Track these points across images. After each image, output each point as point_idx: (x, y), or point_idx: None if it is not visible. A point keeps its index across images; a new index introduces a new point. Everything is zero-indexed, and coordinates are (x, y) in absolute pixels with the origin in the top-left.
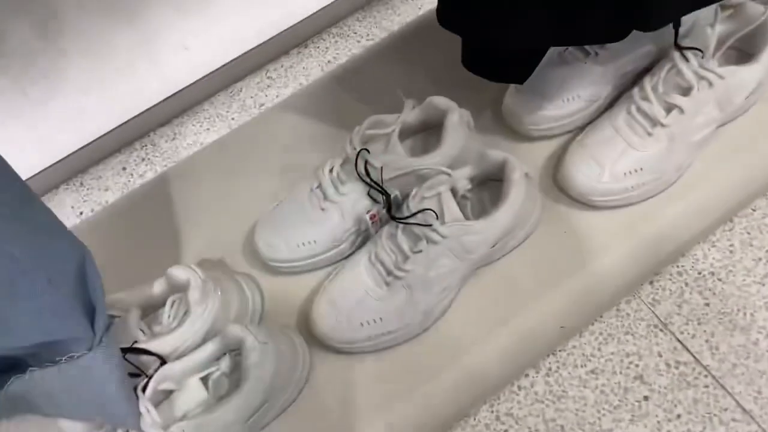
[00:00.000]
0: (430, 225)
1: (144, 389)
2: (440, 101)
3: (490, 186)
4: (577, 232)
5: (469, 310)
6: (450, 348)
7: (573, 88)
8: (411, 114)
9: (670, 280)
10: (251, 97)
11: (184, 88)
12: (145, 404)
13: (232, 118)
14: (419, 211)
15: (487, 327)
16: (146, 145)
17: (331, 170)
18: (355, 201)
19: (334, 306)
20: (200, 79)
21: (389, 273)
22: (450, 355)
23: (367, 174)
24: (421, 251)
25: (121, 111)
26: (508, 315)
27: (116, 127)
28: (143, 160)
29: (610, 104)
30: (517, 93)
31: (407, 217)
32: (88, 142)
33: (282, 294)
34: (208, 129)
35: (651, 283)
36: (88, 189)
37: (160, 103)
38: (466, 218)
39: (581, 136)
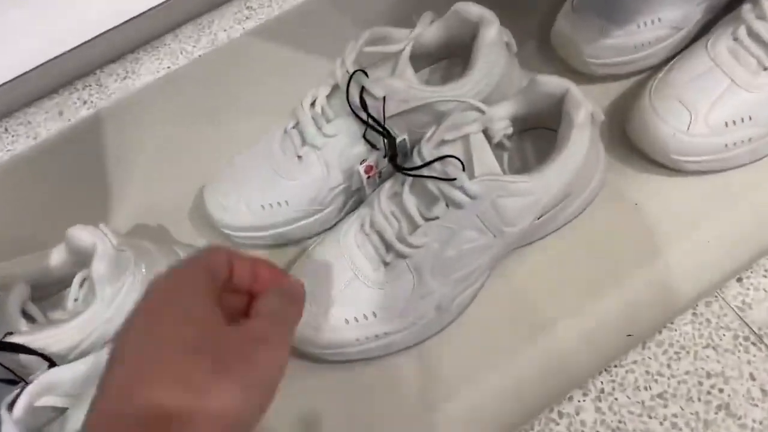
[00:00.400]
0: (453, 179)
1: (11, 406)
2: (471, 10)
3: (536, 136)
4: (654, 205)
5: (499, 306)
6: (470, 359)
7: (652, 8)
8: (429, 30)
9: (765, 275)
10: (224, 30)
11: (140, 15)
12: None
13: (200, 56)
14: (437, 159)
15: (523, 332)
16: (90, 85)
17: (313, 103)
18: (344, 146)
19: (308, 294)
20: (161, 4)
21: (389, 248)
22: (468, 370)
23: (364, 107)
24: (437, 218)
25: (59, 38)
26: (551, 316)
27: (52, 59)
28: (85, 103)
29: (702, 33)
30: (575, 13)
31: (419, 168)
32: (13, 77)
33: None
34: (168, 67)
35: (739, 280)
36: (13, 137)
37: (109, 31)
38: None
39: (664, 71)
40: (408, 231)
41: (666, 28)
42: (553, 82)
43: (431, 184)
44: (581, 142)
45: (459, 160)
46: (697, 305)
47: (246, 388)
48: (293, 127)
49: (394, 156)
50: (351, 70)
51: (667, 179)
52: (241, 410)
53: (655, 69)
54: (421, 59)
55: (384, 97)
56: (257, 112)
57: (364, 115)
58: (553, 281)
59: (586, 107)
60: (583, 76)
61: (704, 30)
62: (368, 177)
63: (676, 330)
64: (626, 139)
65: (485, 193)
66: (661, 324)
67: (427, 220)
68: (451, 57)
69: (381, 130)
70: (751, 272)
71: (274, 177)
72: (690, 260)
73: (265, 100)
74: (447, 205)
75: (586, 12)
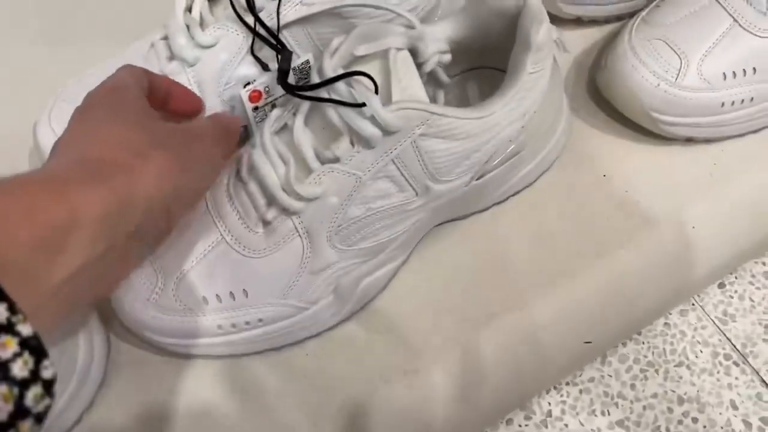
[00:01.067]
0: (362, 105)
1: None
2: None
3: (481, 78)
4: (625, 177)
5: (420, 297)
6: (377, 363)
7: None
8: None
9: (753, 282)
10: None
11: None
12: None
13: None
14: (342, 77)
15: (447, 332)
16: None
17: (190, 8)
18: (225, 64)
19: (155, 264)
20: None
21: (272, 201)
22: (373, 375)
23: (252, 10)
24: (337, 160)
25: None
26: (486, 313)
27: None
28: None
29: None
30: None
31: (316, 87)
32: None
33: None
34: None
35: (722, 286)
36: None
37: None
38: None
39: (650, 7)
40: (299, 178)
41: None
42: None
43: (332, 112)
44: (540, 73)
45: (372, 79)
46: (670, 313)
47: (183, 165)
48: (161, 39)
49: (286, 73)
50: None
51: (643, 146)
52: (178, 180)
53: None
54: None
55: None
56: (116, 28)
57: (251, 21)
58: (492, 267)
59: (549, 27)
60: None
61: None
62: (255, 108)
63: (643, 343)
64: (596, 92)
65: (405, 127)
66: (626, 334)
67: (324, 163)
68: None
69: (272, 41)
70: (736, 277)
71: None
72: (664, 253)
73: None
74: (352, 143)
75: None
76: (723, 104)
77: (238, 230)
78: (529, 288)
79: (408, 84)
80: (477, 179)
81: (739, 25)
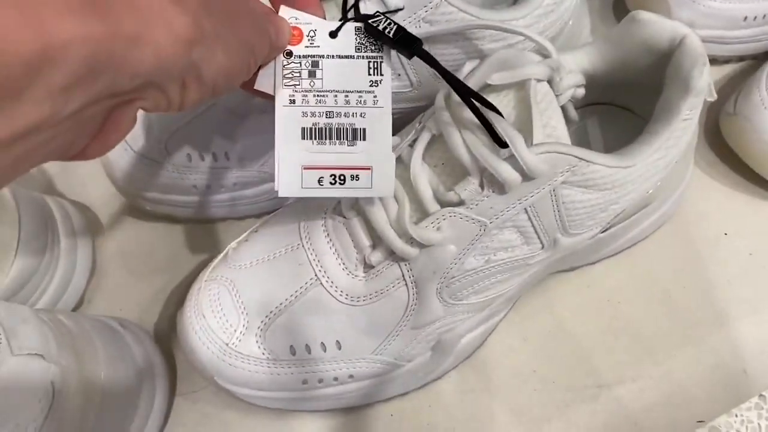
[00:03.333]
0: (503, 143)
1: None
2: None
3: (602, 116)
4: (749, 237)
5: (519, 355)
6: (469, 427)
7: None
8: None
9: None
10: None
11: None
12: None
13: None
14: (475, 103)
15: (554, 399)
16: None
17: None
18: None
19: (238, 300)
20: None
21: (378, 243)
22: None
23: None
24: (461, 203)
25: None
26: (598, 381)
27: None
28: None
29: None
30: None
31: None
32: None
33: (140, 256)
34: None
35: None
36: None
37: None
38: None
39: None
40: (413, 219)
41: None
42: (662, 24)
43: (461, 148)
44: (692, 120)
45: (501, 114)
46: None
47: (220, 23)
48: None
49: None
50: None
51: None
52: (210, 44)
53: (763, 59)
54: None
55: (398, 10)
56: None
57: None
58: (601, 329)
59: (708, 72)
60: None
61: None
62: (288, 54)
63: (736, 416)
64: (716, 140)
65: (548, 174)
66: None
67: (444, 205)
68: None
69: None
70: None
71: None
72: None
73: None
74: (482, 185)
75: None
76: None
77: (336, 272)
78: (643, 357)
79: (549, 122)
80: (603, 232)
81: None
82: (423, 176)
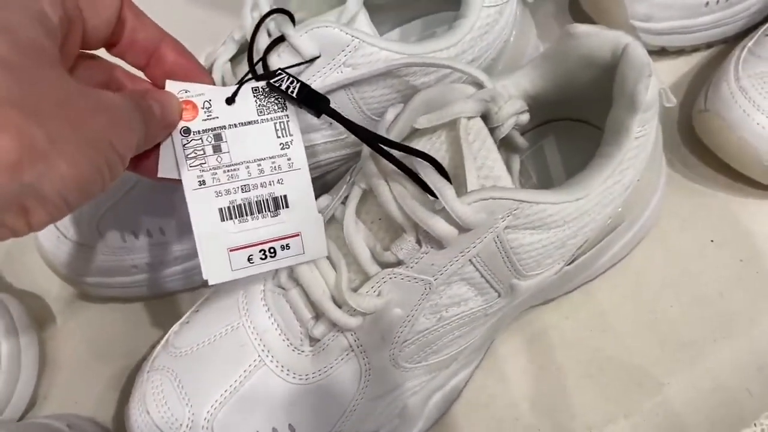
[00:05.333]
0: (432, 196)
1: None
2: None
3: (563, 132)
4: (739, 243)
5: (498, 403)
6: None
7: None
8: None
9: None
10: None
11: None
12: None
13: None
14: (401, 155)
15: None
16: None
17: (209, 70)
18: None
19: (181, 391)
20: None
21: (319, 315)
22: None
23: (264, 68)
24: (400, 263)
25: None
26: (586, 422)
27: None
28: None
29: None
30: None
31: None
32: None
33: (95, 342)
34: None
35: None
36: None
37: None
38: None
39: (758, 35)
40: (353, 284)
41: None
42: (601, 36)
43: (391, 204)
44: (647, 137)
45: (436, 165)
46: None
47: (64, 148)
48: None
49: (311, 94)
50: (265, 10)
51: (758, 204)
52: (52, 169)
53: (732, 42)
54: (385, 13)
55: (315, 59)
56: None
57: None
58: (585, 364)
59: (657, 79)
60: None
61: None
62: (185, 131)
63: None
64: (693, 139)
65: (487, 223)
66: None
67: (384, 266)
68: (432, 12)
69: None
70: None
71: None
72: None
73: None
74: (419, 242)
75: None
76: None
77: (280, 350)
78: (633, 389)
79: (485, 163)
80: (568, 264)
81: None
82: (359, 236)
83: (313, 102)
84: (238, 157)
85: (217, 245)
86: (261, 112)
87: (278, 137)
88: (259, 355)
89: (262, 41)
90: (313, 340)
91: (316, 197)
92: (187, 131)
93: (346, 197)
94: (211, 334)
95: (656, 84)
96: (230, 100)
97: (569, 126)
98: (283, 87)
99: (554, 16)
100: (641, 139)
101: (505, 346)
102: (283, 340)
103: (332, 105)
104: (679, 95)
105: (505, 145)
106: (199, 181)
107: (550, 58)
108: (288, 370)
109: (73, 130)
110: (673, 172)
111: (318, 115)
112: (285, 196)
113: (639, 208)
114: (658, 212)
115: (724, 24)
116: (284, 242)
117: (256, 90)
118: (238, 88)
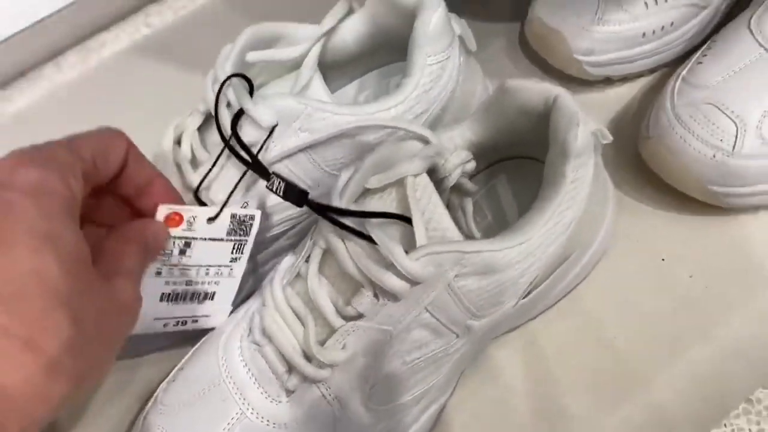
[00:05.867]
0: (386, 253)
1: None
2: None
3: (514, 169)
4: (687, 259)
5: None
6: None
7: None
8: (346, 25)
9: None
10: None
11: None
12: None
13: None
14: (351, 221)
15: None
16: None
17: (178, 141)
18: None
19: None
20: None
21: (291, 369)
22: None
23: (241, 144)
24: (361, 316)
25: None
26: None
27: None
28: None
29: (735, 11)
30: None
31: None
32: None
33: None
34: None
35: None
36: None
37: None
38: (466, 235)
39: (689, 65)
40: (320, 337)
41: (684, 5)
42: (533, 89)
43: (348, 261)
44: (583, 178)
45: (399, 217)
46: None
47: (88, 369)
48: None
49: (301, 192)
50: (228, 72)
51: (704, 222)
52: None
53: (674, 65)
54: (339, 62)
55: (273, 127)
56: None
57: (242, 152)
58: (550, 388)
59: (586, 124)
60: (572, 81)
61: (738, 6)
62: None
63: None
64: (641, 166)
65: (436, 275)
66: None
67: (348, 319)
68: (384, 65)
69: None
70: None
71: None
72: (740, 345)
73: None
74: (376, 296)
75: None
76: None
77: (259, 402)
78: (598, 407)
79: (433, 217)
80: (523, 298)
81: None
82: (322, 291)
83: (295, 198)
84: (195, 261)
85: (146, 314)
86: (229, 234)
87: (232, 253)
88: (240, 408)
89: (224, 115)
90: (289, 392)
91: (280, 253)
92: None
93: (309, 256)
94: (195, 392)
95: (588, 129)
96: (211, 220)
97: (519, 163)
98: (274, 189)
99: (506, 51)
100: (576, 182)
101: (473, 378)
102: (261, 393)
103: (293, 167)
104: (626, 120)
105: (457, 191)
106: (157, 272)
107: (489, 111)
108: (268, 421)
109: (102, 344)
110: (622, 194)
111: (300, 206)
112: (214, 293)
113: (588, 237)
114: (610, 237)
115: (664, 51)
116: (195, 319)
117: (233, 216)
118: (219, 212)
